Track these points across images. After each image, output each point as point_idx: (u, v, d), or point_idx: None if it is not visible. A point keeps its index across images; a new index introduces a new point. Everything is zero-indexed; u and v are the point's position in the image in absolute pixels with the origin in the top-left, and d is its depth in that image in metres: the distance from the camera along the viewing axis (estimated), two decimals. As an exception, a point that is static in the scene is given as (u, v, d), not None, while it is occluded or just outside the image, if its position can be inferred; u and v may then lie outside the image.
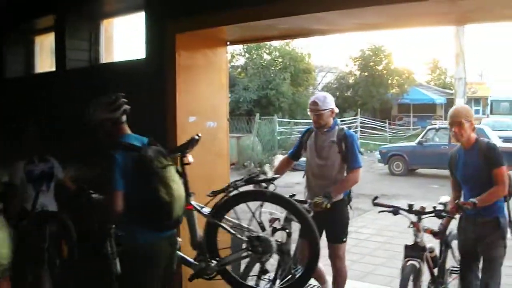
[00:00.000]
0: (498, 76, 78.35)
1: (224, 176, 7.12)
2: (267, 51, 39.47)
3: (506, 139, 24.15)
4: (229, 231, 5.38)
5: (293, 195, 6.17)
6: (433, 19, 6.17)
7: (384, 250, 10.56)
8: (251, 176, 5.58)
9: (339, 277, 6.70)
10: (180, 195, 4.77)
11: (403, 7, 5.17)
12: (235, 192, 5.41)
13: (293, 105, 38.79)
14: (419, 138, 23.18)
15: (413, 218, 5.89)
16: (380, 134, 39.45)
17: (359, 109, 40.78)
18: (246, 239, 5.28)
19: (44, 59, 9.63)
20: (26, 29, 9.53)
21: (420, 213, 5.87)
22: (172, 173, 4.78)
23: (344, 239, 6.68)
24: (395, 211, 6.04)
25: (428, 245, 6.01)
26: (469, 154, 5.82)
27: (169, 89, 6.58)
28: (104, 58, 8.38)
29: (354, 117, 39.16)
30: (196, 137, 5.37)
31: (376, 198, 6.25)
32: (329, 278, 6.87)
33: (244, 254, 5.39)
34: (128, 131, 4.96)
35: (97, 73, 8.04)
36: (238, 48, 39.14)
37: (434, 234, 6.15)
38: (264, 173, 5.87)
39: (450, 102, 43.10)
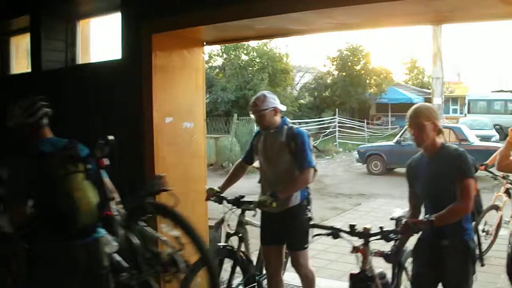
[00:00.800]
0: (476, 75, 78.86)
1: (201, 177, 7.12)
2: (245, 52, 39.43)
3: (483, 138, 24.37)
4: (130, 243, 5.35)
5: (242, 196, 6.17)
6: (409, 19, 6.17)
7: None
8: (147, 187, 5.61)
9: (306, 283, 6.36)
10: (89, 203, 4.67)
11: (380, 7, 5.17)
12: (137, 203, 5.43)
13: (272, 106, 38.75)
14: (397, 138, 23.23)
15: (358, 241, 4.93)
16: (359, 134, 39.57)
17: (337, 109, 40.79)
18: (148, 254, 5.34)
19: (20, 60, 9.55)
20: (0, 30, 9.42)
21: (366, 235, 4.88)
22: (78, 181, 4.67)
23: (306, 246, 6.19)
24: (335, 234, 5.08)
25: (377, 271, 5.03)
26: (433, 163, 4.82)
27: (146, 90, 6.55)
28: (81, 59, 8.31)
29: (332, 117, 39.20)
30: (110, 138, 5.09)
31: (310, 219, 5.93)
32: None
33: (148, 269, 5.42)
34: (49, 134, 4.89)
35: (73, 74, 7.97)
36: (216, 48, 39.11)
37: (386, 257, 5.03)
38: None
39: (427, 102, 43.21)
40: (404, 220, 4.77)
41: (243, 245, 6.27)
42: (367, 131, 41.07)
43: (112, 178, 5.23)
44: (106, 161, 4.99)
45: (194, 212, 6.28)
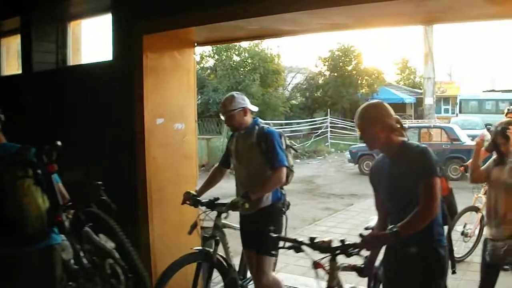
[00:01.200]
0: (467, 75, 79.21)
1: (192, 178, 7.11)
2: (237, 52, 39.46)
3: (475, 138, 24.38)
4: (74, 249, 5.26)
5: (216, 198, 6.07)
6: (401, 19, 6.18)
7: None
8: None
9: None
10: (38, 208, 4.62)
11: (371, 7, 5.17)
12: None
13: (263, 106, 38.67)
14: (388, 138, 23.28)
15: (320, 256, 4.25)
16: (351, 134, 39.51)
17: (329, 110, 40.85)
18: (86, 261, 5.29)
19: (10, 61, 9.52)
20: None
21: (325, 249, 4.20)
22: (26, 186, 4.60)
23: (273, 252, 5.92)
24: (296, 247, 4.43)
25: (347, 287, 4.50)
26: (393, 164, 4.37)
27: (137, 91, 6.53)
28: (72, 60, 8.29)
29: (324, 118, 39.28)
30: (57, 144, 4.94)
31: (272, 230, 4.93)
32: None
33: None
34: (2, 140, 4.84)
35: (64, 76, 7.95)
36: (207, 49, 39.14)
37: (358, 271, 4.43)
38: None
39: (419, 102, 43.55)
40: (366, 233, 4.22)
41: (220, 249, 6.14)
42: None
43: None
44: (56, 167, 4.97)
45: (185, 213, 6.27)
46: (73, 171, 7.39)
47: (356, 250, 4.09)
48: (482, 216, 8.74)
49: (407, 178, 4.19)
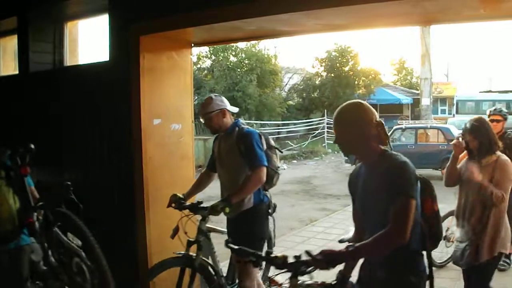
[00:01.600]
0: (464, 76, 79.31)
1: (189, 178, 7.09)
2: (234, 53, 39.56)
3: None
4: (43, 250, 5.33)
5: (200, 202, 5.98)
6: (398, 19, 6.16)
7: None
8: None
9: None
10: (9, 209, 4.74)
11: (368, 8, 5.17)
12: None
13: (260, 107, 38.84)
14: (385, 138, 23.29)
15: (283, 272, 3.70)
16: (347, 135, 39.55)
17: (326, 110, 40.83)
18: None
19: (7, 62, 9.51)
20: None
21: (279, 266, 3.67)
22: None
23: None
24: (254, 261, 4.02)
25: None
26: (370, 175, 3.87)
27: (134, 92, 6.53)
28: (68, 61, 8.28)
29: (321, 118, 39.26)
30: (31, 147, 5.09)
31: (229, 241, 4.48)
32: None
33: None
34: None
35: (61, 76, 7.95)
36: (204, 50, 39.29)
37: None
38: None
39: (416, 102, 43.61)
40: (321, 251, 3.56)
41: (205, 253, 5.97)
42: (356, 132, 41.07)
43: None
44: (29, 169, 5.01)
45: (182, 213, 6.27)
46: (69, 171, 7.42)
47: (309, 268, 3.60)
48: None
49: (381, 195, 3.65)
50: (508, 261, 8.18)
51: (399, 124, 25.88)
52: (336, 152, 32.08)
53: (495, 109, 8.61)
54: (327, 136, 36.33)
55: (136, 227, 6.48)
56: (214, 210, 5.60)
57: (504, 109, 8.72)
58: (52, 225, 5.35)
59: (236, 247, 4.27)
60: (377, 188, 3.71)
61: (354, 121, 3.82)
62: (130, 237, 6.50)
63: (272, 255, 3.84)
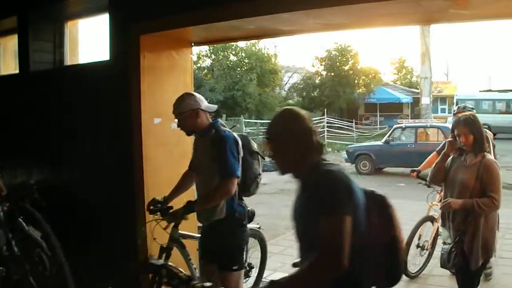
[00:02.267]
0: (464, 75, 79.22)
1: (189, 177, 7.09)
2: (234, 52, 39.57)
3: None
4: (6, 237, 5.59)
5: (170, 207, 5.66)
6: (398, 19, 6.15)
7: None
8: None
9: None
10: None
11: (368, 7, 5.16)
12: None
13: (260, 106, 38.86)
14: (385, 137, 23.34)
15: None
16: (347, 134, 39.62)
17: (325, 109, 40.97)
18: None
19: (8, 61, 9.51)
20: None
21: None
22: None
23: (235, 267, 5.43)
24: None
25: None
26: (300, 192, 3.40)
27: (134, 91, 6.53)
28: (69, 60, 8.28)
29: (321, 117, 39.29)
30: None
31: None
32: None
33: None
34: None
35: (61, 75, 7.95)
36: (204, 49, 39.27)
37: None
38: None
39: (416, 101, 43.64)
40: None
41: (179, 261, 5.73)
42: (356, 131, 41.17)
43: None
44: None
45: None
46: (70, 169, 7.43)
47: None
48: (438, 227, 7.92)
49: (308, 214, 3.18)
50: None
51: (399, 123, 25.89)
52: (336, 151, 32.07)
53: (458, 107, 8.72)
54: (327, 135, 36.37)
55: (136, 227, 6.48)
56: (173, 216, 5.43)
57: (469, 106, 8.80)
58: (16, 217, 5.68)
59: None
60: (304, 208, 3.24)
61: (288, 131, 3.33)
62: (129, 237, 6.50)
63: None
